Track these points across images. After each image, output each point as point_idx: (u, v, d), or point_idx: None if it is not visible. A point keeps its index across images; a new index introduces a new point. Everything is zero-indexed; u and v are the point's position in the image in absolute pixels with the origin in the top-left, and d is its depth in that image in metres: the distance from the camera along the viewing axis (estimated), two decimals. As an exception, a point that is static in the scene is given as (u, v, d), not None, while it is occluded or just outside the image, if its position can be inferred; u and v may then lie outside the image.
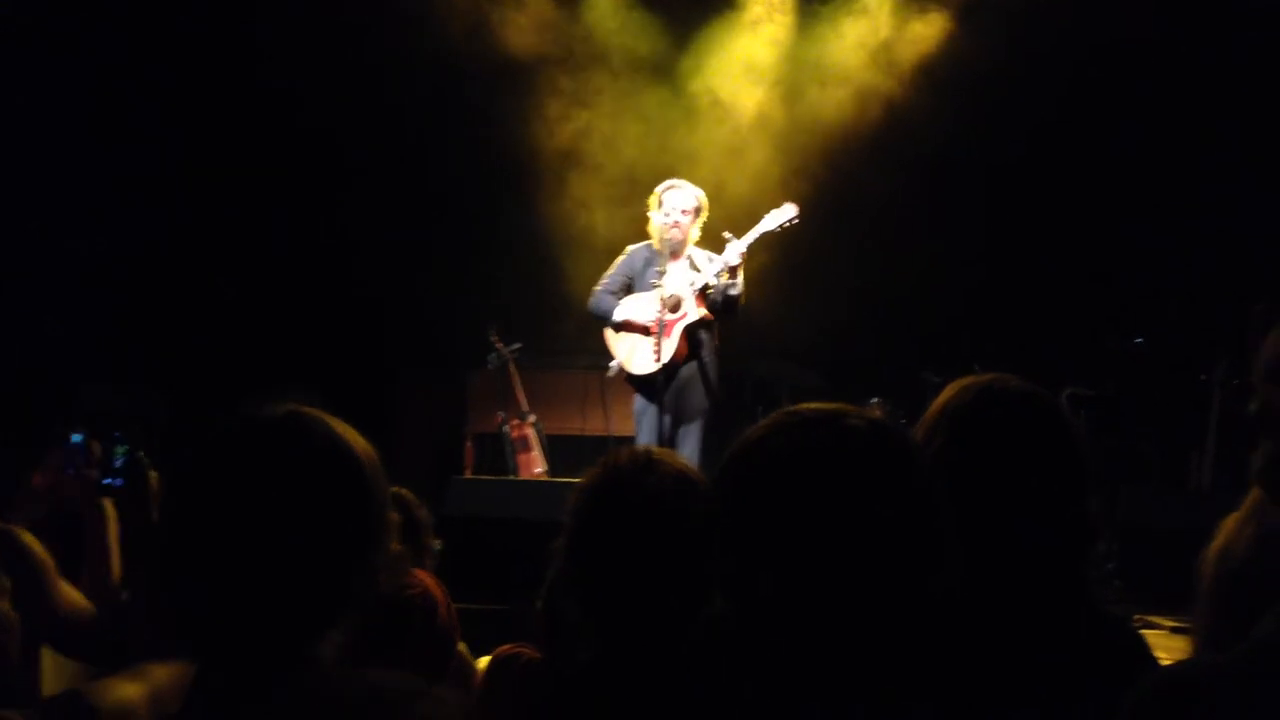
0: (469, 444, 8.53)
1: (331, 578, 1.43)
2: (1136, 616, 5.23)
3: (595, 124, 8.34)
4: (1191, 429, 7.10)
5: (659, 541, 1.85)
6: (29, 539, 2.46)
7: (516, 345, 8.08)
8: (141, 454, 2.48)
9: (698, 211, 6.27)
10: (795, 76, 8.44)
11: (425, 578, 2.35)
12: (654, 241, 6.28)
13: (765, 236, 6.21)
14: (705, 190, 6.39)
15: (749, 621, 1.36)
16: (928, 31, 8.29)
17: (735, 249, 6.06)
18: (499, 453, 8.10)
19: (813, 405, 1.43)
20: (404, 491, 3.00)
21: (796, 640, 1.33)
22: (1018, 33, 7.69)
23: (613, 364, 6.41)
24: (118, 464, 2.48)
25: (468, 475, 8.20)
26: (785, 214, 6.19)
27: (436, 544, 3.12)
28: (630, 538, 1.86)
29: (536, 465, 7.94)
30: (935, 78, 8.13)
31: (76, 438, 2.54)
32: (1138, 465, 7.23)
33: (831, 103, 8.30)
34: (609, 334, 6.43)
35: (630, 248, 6.47)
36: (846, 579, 1.32)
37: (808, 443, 1.38)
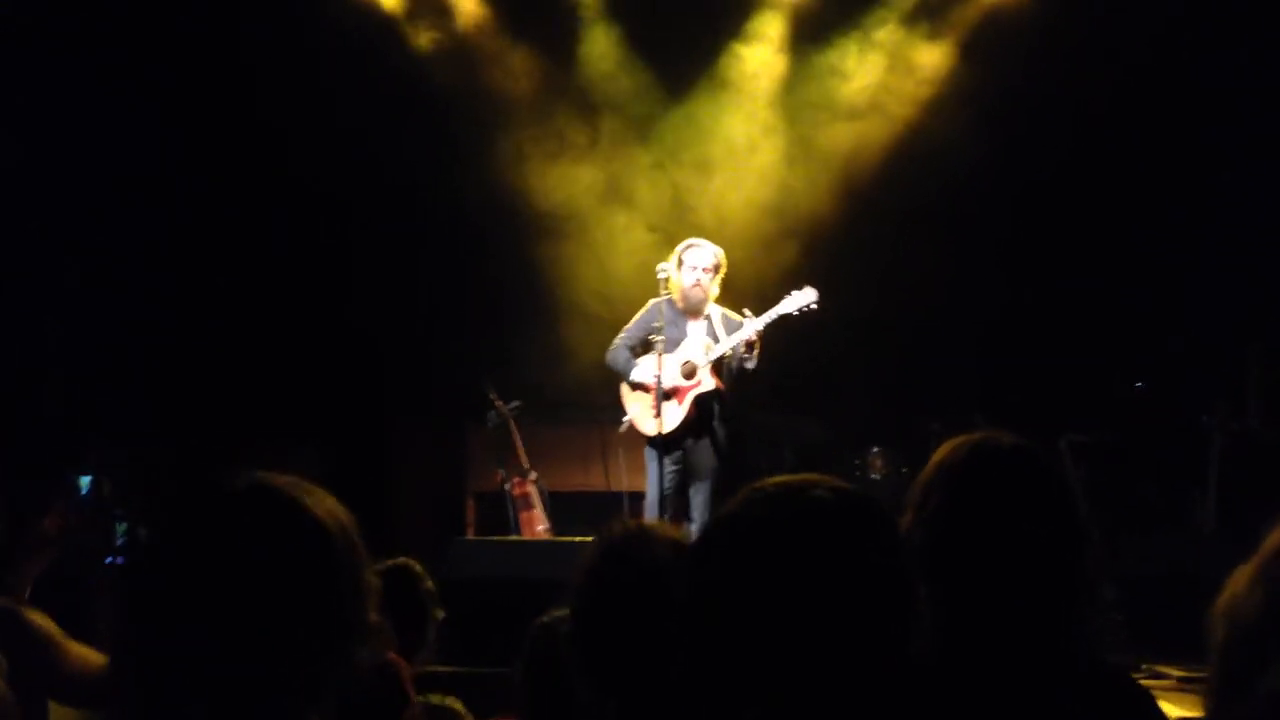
0: (470, 502, 8.50)
1: (302, 655, 1.38)
2: (1144, 665, 5.19)
3: (596, 172, 8.36)
4: (1192, 471, 7.08)
5: (664, 612, 1.82)
6: (33, 615, 2.44)
7: (516, 403, 8.05)
8: (141, 531, 2.49)
9: (717, 269, 6.34)
10: (796, 115, 8.38)
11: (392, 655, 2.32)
12: (674, 298, 6.34)
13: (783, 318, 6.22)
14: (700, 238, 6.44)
15: (722, 693, 1.36)
16: (931, 64, 8.23)
17: (752, 326, 6.15)
18: (501, 511, 8.06)
19: (781, 478, 1.45)
20: (411, 563, 2.98)
21: (771, 712, 1.33)
22: (1023, 72, 7.71)
23: (625, 419, 6.47)
24: (120, 542, 2.48)
25: (470, 534, 8.17)
26: (805, 298, 6.24)
27: (439, 614, 3.09)
28: (636, 610, 1.81)
29: (539, 523, 7.90)
30: (941, 117, 8.11)
31: (85, 479, 2.54)
32: (1139, 510, 7.21)
33: (832, 145, 8.26)
34: (624, 389, 6.48)
35: (652, 301, 6.49)
36: (818, 650, 1.32)
37: (775, 516, 1.39)
